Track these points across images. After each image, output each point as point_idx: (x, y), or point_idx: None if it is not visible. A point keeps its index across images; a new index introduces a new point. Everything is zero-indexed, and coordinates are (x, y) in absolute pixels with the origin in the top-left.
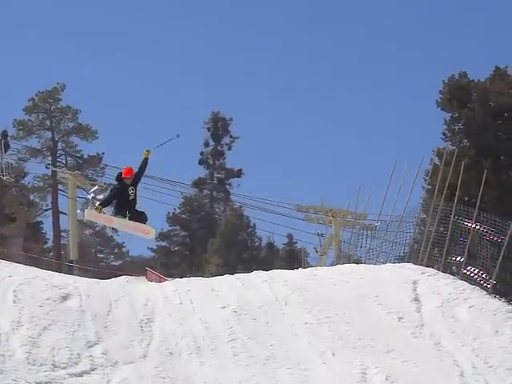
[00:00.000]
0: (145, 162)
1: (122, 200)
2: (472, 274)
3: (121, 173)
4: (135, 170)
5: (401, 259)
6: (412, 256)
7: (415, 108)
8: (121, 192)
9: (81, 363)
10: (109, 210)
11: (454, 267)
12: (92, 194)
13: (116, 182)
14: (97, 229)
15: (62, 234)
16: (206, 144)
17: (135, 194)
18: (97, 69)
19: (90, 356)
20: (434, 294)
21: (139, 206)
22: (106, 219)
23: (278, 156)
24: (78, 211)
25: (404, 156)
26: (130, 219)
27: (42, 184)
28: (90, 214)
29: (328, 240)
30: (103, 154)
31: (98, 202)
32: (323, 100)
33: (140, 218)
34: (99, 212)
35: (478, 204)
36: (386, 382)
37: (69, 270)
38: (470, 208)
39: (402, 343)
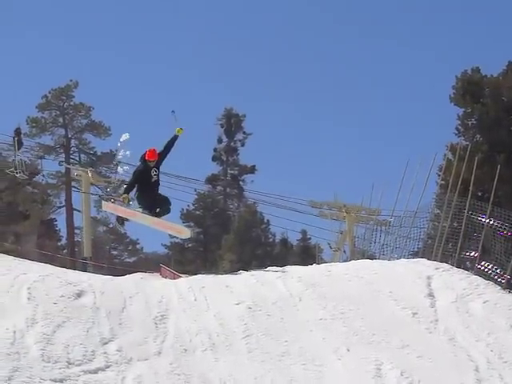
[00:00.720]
0: (173, 140)
1: (145, 182)
2: (486, 269)
3: (144, 154)
4: (160, 148)
5: (415, 254)
6: (426, 251)
7: (428, 103)
8: (143, 174)
9: (95, 360)
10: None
11: (467, 262)
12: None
13: (139, 163)
14: (111, 226)
15: (76, 231)
16: (220, 140)
17: (158, 176)
18: (110, 66)
19: (105, 353)
20: (448, 289)
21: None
22: (129, 212)
23: (292, 152)
24: (93, 207)
25: (417, 151)
26: (153, 210)
27: (55, 181)
28: (108, 206)
29: (342, 236)
30: (116, 150)
31: (122, 192)
32: (337, 97)
33: (164, 203)
34: (127, 202)
35: (491, 199)
36: (401, 377)
37: (83, 267)
38: (484, 203)
39: (417, 339)
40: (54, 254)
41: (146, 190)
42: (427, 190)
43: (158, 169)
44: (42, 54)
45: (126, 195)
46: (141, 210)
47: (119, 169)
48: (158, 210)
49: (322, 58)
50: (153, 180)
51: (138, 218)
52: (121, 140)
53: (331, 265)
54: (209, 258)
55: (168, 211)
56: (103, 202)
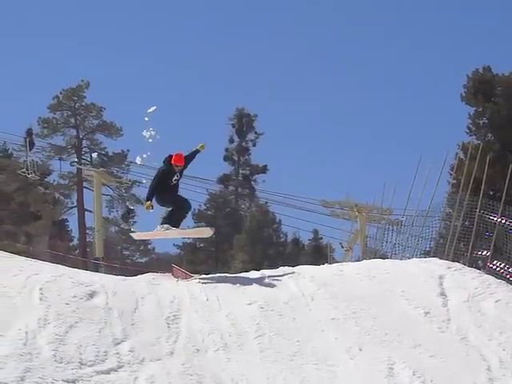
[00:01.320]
0: (195, 153)
1: (164, 185)
2: (498, 268)
3: (170, 156)
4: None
5: (426, 254)
6: (438, 251)
7: (440, 103)
8: (166, 177)
9: (108, 360)
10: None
11: (479, 261)
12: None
13: (162, 165)
14: (122, 226)
15: (88, 231)
16: (231, 140)
17: (178, 181)
18: (121, 66)
19: (117, 353)
20: (460, 288)
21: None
22: (159, 233)
23: (303, 152)
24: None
25: (429, 151)
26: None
27: (67, 182)
28: (139, 235)
29: (354, 235)
30: (128, 151)
31: (145, 199)
32: (348, 96)
33: (182, 207)
34: (151, 209)
35: (503, 198)
36: (413, 376)
37: (95, 268)
38: (496, 202)
39: (429, 338)
40: (65, 255)
41: (163, 192)
42: (439, 189)
43: (181, 175)
44: (54, 55)
45: (149, 202)
46: (163, 224)
47: (140, 158)
48: (173, 211)
49: (334, 57)
50: (171, 184)
51: (168, 235)
52: (148, 111)
53: (343, 264)
54: (220, 258)
55: (184, 216)
56: (131, 234)
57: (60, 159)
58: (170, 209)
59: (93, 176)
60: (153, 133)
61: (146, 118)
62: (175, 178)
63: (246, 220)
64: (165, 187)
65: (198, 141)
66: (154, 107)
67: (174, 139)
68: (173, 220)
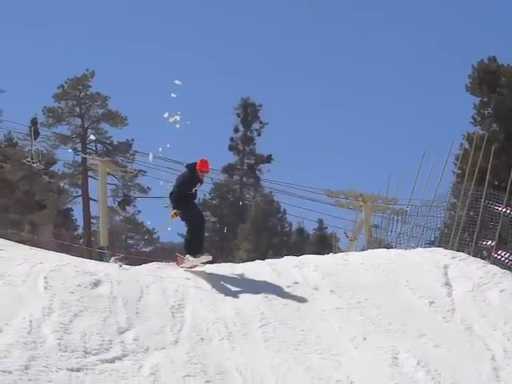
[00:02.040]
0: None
1: (183, 194)
2: (503, 258)
3: (194, 163)
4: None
5: (431, 244)
6: (442, 240)
7: (445, 93)
8: (188, 185)
9: (112, 349)
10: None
11: (484, 251)
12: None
13: (185, 172)
14: (127, 215)
15: (93, 220)
16: (236, 130)
17: (197, 190)
18: (126, 55)
19: (122, 342)
20: (465, 278)
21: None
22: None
23: (308, 141)
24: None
25: (434, 141)
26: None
27: (72, 171)
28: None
29: (358, 225)
30: (133, 140)
31: (173, 207)
32: (353, 86)
33: (198, 225)
34: (177, 215)
35: (508, 188)
36: (418, 366)
37: (99, 257)
38: (501, 192)
39: (434, 328)
40: (70, 244)
41: (181, 201)
42: (444, 179)
43: (201, 184)
44: (59, 44)
45: (175, 211)
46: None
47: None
48: (190, 234)
49: (339, 48)
50: (190, 192)
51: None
52: (176, 83)
53: (347, 254)
54: (225, 248)
55: (202, 238)
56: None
57: (74, 149)
58: (188, 231)
59: (98, 165)
60: (178, 117)
61: (173, 95)
62: (196, 187)
63: (250, 209)
64: (183, 196)
65: (203, 131)
66: (179, 82)
67: (180, 129)
68: (193, 249)
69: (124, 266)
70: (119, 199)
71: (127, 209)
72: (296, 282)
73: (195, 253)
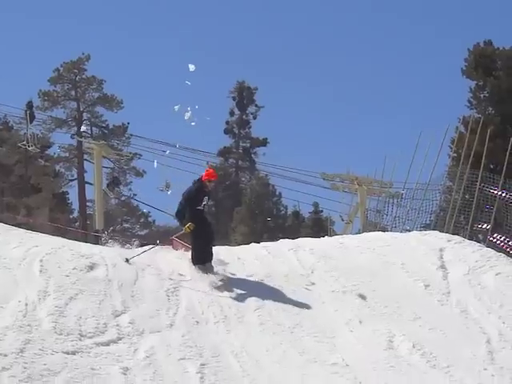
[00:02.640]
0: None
1: (191, 209)
2: (498, 242)
3: (200, 177)
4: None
5: (427, 227)
6: (438, 224)
7: (440, 76)
8: (195, 199)
9: (107, 332)
10: None
11: (480, 235)
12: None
13: (191, 186)
14: (122, 198)
15: (88, 203)
16: (232, 113)
17: (205, 207)
18: (121, 39)
19: (117, 325)
20: (461, 261)
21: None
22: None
23: (303, 124)
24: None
25: (430, 124)
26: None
27: (67, 154)
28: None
29: (354, 208)
30: (128, 123)
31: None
32: (349, 70)
33: (205, 248)
34: (191, 228)
35: (503, 171)
36: (413, 349)
37: (95, 240)
38: (496, 175)
39: (429, 311)
40: (65, 227)
41: (189, 216)
42: (439, 162)
43: (209, 198)
44: (54, 28)
45: (190, 224)
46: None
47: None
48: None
49: (334, 31)
50: (198, 208)
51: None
52: (190, 69)
53: (343, 237)
54: (221, 231)
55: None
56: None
57: (78, 134)
58: (195, 244)
59: (93, 149)
60: (190, 114)
61: (188, 82)
62: (204, 202)
63: (246, 193)
64: (191, 211)
65: (198, 114)
66: (192, 67)
67: (176, 113)
68: (201, 259)
69: (130, 260)
70: (108, 181)
71: (116, 190)
72: (292, 266)
73: (203, 261)
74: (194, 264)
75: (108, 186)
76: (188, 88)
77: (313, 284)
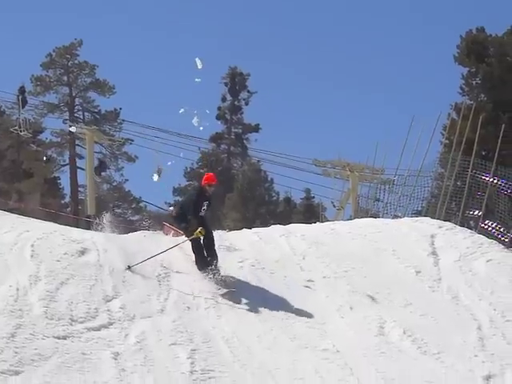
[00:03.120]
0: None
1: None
2: (489, 228)
3: (199, 182)
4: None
5: (418, 213)
6: (429, 210)
7: (433, 63)
8: (195, 204)
9: (98, 317)
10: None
11: (471, 221)
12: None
13: (191, 191)
14: (114, 184)
15: (80, 189)
16: (224, 99)
17: (206, 212)
18: (113, 24)
19: (108, 310)
20: (452, 248)
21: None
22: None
23: (296, 111)
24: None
25: (422, 111)
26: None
27: (59, 139)
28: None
29: (346, 194)
30: (120, 109)
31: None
32: (341, 55)
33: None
34: (202, 233)
35: (495, 158)
36: (404, 335)
37: (86, 225)
38: (488, 162)
39: (420, 297)
40: (57, 212)
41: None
42: (431, 149)
43: (210, 204)
44: (47, 13)
45: (200, 229)
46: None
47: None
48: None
49: (326, 17)
50: (200, 214)
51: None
52: (198, 66)
53: (335, 223)
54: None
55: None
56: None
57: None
58: (196, 250)
59: (85, 134)
60: (197, 119)
61: (198, 79)
62: (204, 207)
63: (238, 179)
64: (195, 217)
65: (190, 100)
66: (200, 63)
67: (168, 98)
68: (205, 264)
69: (132, 267)
70: (95, 165)
71: (102, 175)
72: (283, 252)
73: (208, 265)
74: (200, 270)
75: (95, 170)
76: (180, 74)
77: (304, 270)
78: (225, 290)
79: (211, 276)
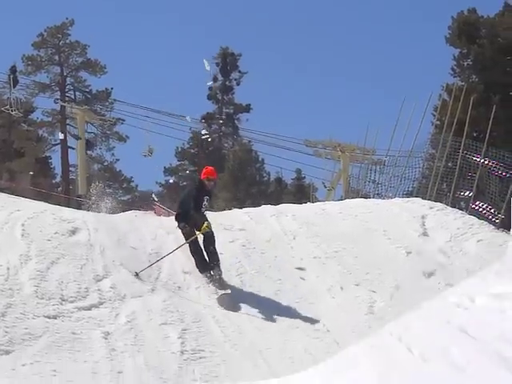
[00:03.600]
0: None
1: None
2: (480, 209)
3: (199, 176)
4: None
5: (409, 194)
6: (420, 191)
7: (424, 44)
8: (196, 198)
9: (89, 297)
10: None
11: (462, 202)
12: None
13: (191, 184)
14: (105, 164)
15: (71, 168)
16: (215, 79)
17: (206, 208)
18: (105, 3)
19: (99, 290)
20: (443, 228)
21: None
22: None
23: (287, 91)
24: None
25: (413, 92)
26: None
27: (50, 119)
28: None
29: (336, 175)
30: (112, 88)
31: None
32: (333, 36)
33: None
34: (209, 227)
35: (486, 139)
36: (394, 315)
37: (77, 205)
38: (479, 143)
39: (410, 278)
40: (48, 192)
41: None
42: (422, 130)
43: (210, 199)
44: None
45: (207, 224)
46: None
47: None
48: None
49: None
50: (202, 210)
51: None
52: (206, 68)
53: (325, 204)
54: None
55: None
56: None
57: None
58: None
59: (76, 114)
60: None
61: (210, 83)
62: (205, 202)
63: (229, 159)
64: (196, 212)
65: (181, 81)
66: (207, 64)
67: (159, 79)
68: (205, 264)
69: (140, 273)
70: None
71: (89, 153)
72: (274, 232)
73: (209, 267)
74: (201, 273)
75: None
76: (171, 54)
77: (295, 250)
78: (220, 292)
79: (209, 275)
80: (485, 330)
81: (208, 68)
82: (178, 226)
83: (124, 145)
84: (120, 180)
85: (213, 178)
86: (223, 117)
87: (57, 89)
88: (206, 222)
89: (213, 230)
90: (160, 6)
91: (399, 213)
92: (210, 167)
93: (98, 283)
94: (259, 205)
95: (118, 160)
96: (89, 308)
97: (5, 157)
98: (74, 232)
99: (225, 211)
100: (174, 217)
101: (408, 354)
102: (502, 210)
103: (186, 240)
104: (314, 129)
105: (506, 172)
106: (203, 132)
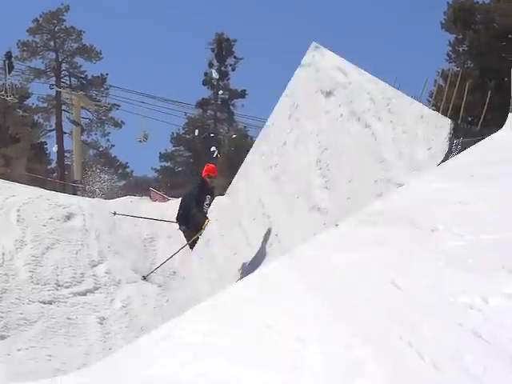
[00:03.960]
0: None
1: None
2: None
3: (200, 175)
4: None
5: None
6: None
7: (420, 29)
8: (198, 198)
9: (84, 282)
10: None
11: None
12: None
13: (193, 185)
14: (100, 149)
15: (66, 154)
16: (210, 65)
17: (207, 206)
18: None
19: (94, 275)
20: None
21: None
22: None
23: (282, 77)
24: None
25: (408, 77)
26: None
27: (45, 105)
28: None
29: None
30: (107, 74)
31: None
32: (327, 21)
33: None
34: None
35: (479, 124)
36: None
37: (73, 191)
38: (474, 127)
39: None
40: (44, 178)
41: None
42: None
43: (212, 198)
44: None
45: (207, 220)
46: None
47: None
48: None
49: None
50: (204, 209)
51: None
52: (214, 76)
53: None
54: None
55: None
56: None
57: (57, 85)
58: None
59: (72, 99)
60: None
61: (220, 92)
62: (207, 201)
63: (224, 144)
64: (199, 210)
65: (177, 66)
66: (215, 74)
67: (155, 64)
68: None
69: (147, 276)
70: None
71: (83, 139)
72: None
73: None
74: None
75: (70, 134)
76: (167, 39)
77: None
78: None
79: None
80: (500, 333)
81: (216, 76)
82: (179, 228)
83: (119, 130)
84: (115, 166)
85: (214, 175)
86: (218, 102)
87: (52, 74)
88: (207, 220)
89: None
90: None
91: None
92: (211, 164)
93: (93, 268)
94: None
95: (113, 146)
96: (84, 293)
97: (0, 142)
98: (69, 217)
99: (220, 197)
100: (175, 218)
101: (420, 360)
102: None
103: (188, 240)
104: None
105: None
106: (212, 149)
